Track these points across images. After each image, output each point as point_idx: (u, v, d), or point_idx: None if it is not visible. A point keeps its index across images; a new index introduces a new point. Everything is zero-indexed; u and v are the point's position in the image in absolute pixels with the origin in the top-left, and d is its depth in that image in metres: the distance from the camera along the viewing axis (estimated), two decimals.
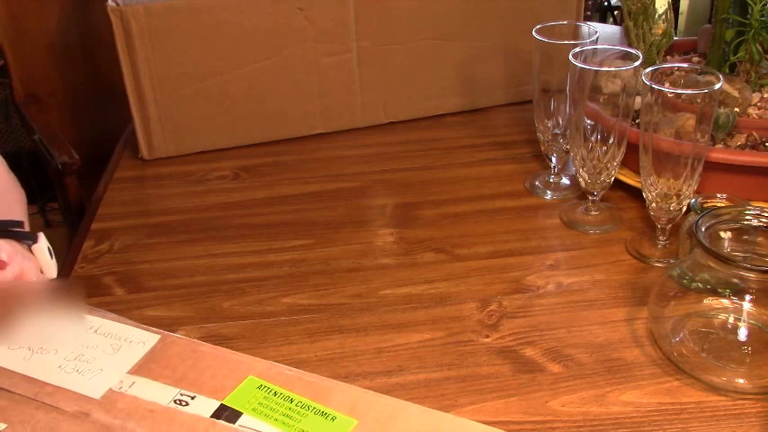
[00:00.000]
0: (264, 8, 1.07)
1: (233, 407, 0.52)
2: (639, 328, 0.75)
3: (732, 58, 0.96)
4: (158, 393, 0.53)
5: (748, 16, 0.92)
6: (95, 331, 0.59)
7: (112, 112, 1.31)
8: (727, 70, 0.97)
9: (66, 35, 1.67)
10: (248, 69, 1.10)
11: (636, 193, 0.92)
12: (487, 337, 0.75)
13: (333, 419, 0.51)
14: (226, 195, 1.03)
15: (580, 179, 0.90)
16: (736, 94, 0.92)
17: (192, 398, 0.52)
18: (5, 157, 0.89)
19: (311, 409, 0.52)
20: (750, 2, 0.91)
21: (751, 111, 0.93)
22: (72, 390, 0.54)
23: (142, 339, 0.58)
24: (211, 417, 0.51)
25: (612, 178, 0.89)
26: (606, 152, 0.86)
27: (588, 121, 0.86)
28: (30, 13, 1.63)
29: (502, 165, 1.07)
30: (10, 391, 0.53)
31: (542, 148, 0.99)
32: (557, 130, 0.96)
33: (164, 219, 0.99)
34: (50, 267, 0.74)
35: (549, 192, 0.99)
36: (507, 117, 1.21)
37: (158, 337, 0.59)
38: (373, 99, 1.18)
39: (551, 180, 1.01)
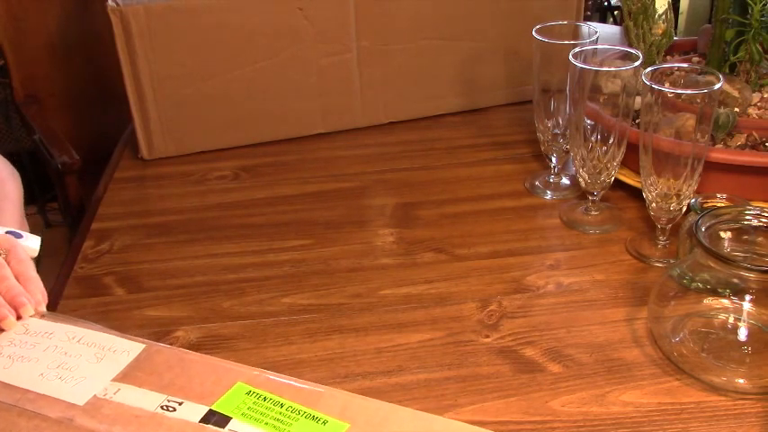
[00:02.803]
0: (264, 8, 1.07)
1: (222, 412, 0.51)
2: (639, 328, 0.75)
3: (732, 58, 0.96)
4: (144, 399, 0.52)
5: (748, 16, 0.92)
6: (78, 341, 0.58)
7: (112, 112, 1.31)
8: (727, 70, 0.97)
9: (66, 35, 1.67)
10: (248, 69, 1.10)
11: (636, 193, 0.92)
12: (487, 337, 0.75)
13: (324, 423, 0.51)
14: (226, 195, 1.03)
15: (580, 179, 0.90)
16: (736, 94, 0.92)
17: (180, 404, 0.52)
18: (5, 157, 0.89)
19: (302, 413, 0.51)
20: (750, 2, 0.91)
21: (751, 111, 0.93)
22: (55, 396, 0.53)
23: (126, 348, 0.57)
24: (200, 422, 0.51)
25: (612, 178, 0.89)
26: (606, 152, 0.86)
27: (588, 121, 0.85)
28: (30, 13, 1.63)
29: (502, 165, 1.07)
30: None
31: (542, 148, 0.99)
32: (557, 130, 0.96)
33: (163, 219, 0.99)
34: (24, 246, 0.69)
35: (549, 192, 0.99)
36: (507, 117, 1.21)
37: (143, 346, 0.57)
38: (373, 99, 1.18)
39: (551, 180, 1.01)
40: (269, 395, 0.53)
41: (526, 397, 0.68)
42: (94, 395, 0.53)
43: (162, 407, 0.52)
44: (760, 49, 0.93)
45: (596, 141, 0.86)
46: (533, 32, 0.92)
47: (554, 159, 0.99)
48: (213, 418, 0.51)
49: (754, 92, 0.95)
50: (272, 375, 0.55)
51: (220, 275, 0.87)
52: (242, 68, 1.10)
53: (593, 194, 0.91)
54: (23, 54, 1.65)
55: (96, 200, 1.04)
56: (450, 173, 1.06)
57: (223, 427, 0.50)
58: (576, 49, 0.85)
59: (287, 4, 1.08)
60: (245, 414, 0.51)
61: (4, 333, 0.60)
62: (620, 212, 0.94)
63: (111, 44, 1.04)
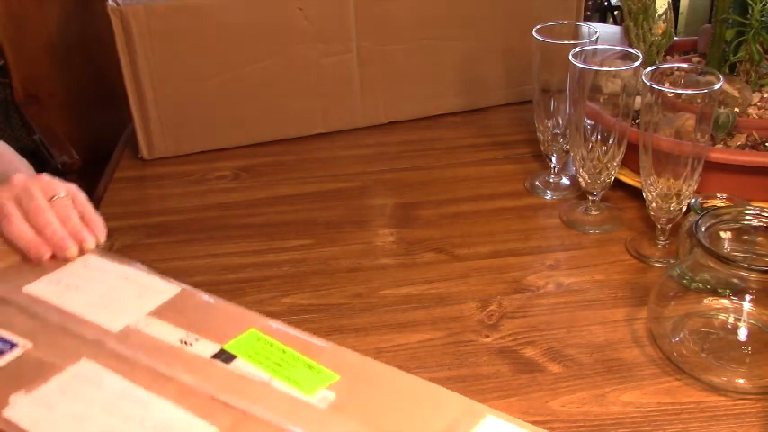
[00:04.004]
0: (264, 8, 1.07)
1: (231, 351, 0.58)
2: (639, 328, 0.75)
3: (732, 58, 0.96)
4: (168, 333, 0.60)
5: (748, 16, 0.92)
6: (126, 279, 0.67)
7: (112, 112, 1.31)
8: (727, 70, 0.97)
9: (66, 35, 1.67)
10: (248, 69, 1.10)
11: (636, 193, 0.92)
12: (487, 337, 0.75)
13: (318, 372, 0.56)
14: (226, 195, 1.03)
15: (580, 179, 0.90)
16: (736, 94, 0.92)
17: (197, 340, 0.59)
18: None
19: (300, 361, 0.57)
20: (750, 2, 0.91)
21: (751, 111, 0.93)
22: (94, 322, 0.61)
23: (165, 289, 0.66)
24: (211, 357, 0.58)
25: (612, 178, 0.89)
26: (606, 152, 0.86)
27: (588, 121, 0.86)
28: (30, 13, 1.63)
29: (502, 165, 1.07)
30: (42, 317, 0.62)
31: (542, 148, 0.99)
32: (557, 130, 0.96)
33: (164, 219, 0.99)
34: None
35: (549, 192, 0.99)
36: (507, 117, 1.21)
37: (179, 289, 0.66)
38: (373, 99, 1.18)
39: (551, 180, 1.01)
40: (276, 342, 0.59)
41: (526, 397, 0.68)
42: (128, 325, 0.61)
43: (181, 341, 0.59)
44: (760, 49, 0.93)
45: (596, 141, 0.86)
46: (533, 32, 0.92)
47: (554, 159, 0.99)
48: (223, 355, 0.58)
49: (754, 92, 0.95)
50: (285, 327, 0.61)
51: (220, 275, 0.87)
52: (242, 68, 1.10)
53: (593, 194, 0.91)
54: (23, 54, 1.65)
55: (96, 200, 1.04)
56: (449, 173, 1.06)
57: (229, 363, 0.57)
58: (576, 49, 0.85)
59: (287, 3, 1.08)
60: (251, 356, 0.58)
61: (68, 266, 0.69)
62: (620, 212, 0.94)
63: (111, 44, 1.04)
